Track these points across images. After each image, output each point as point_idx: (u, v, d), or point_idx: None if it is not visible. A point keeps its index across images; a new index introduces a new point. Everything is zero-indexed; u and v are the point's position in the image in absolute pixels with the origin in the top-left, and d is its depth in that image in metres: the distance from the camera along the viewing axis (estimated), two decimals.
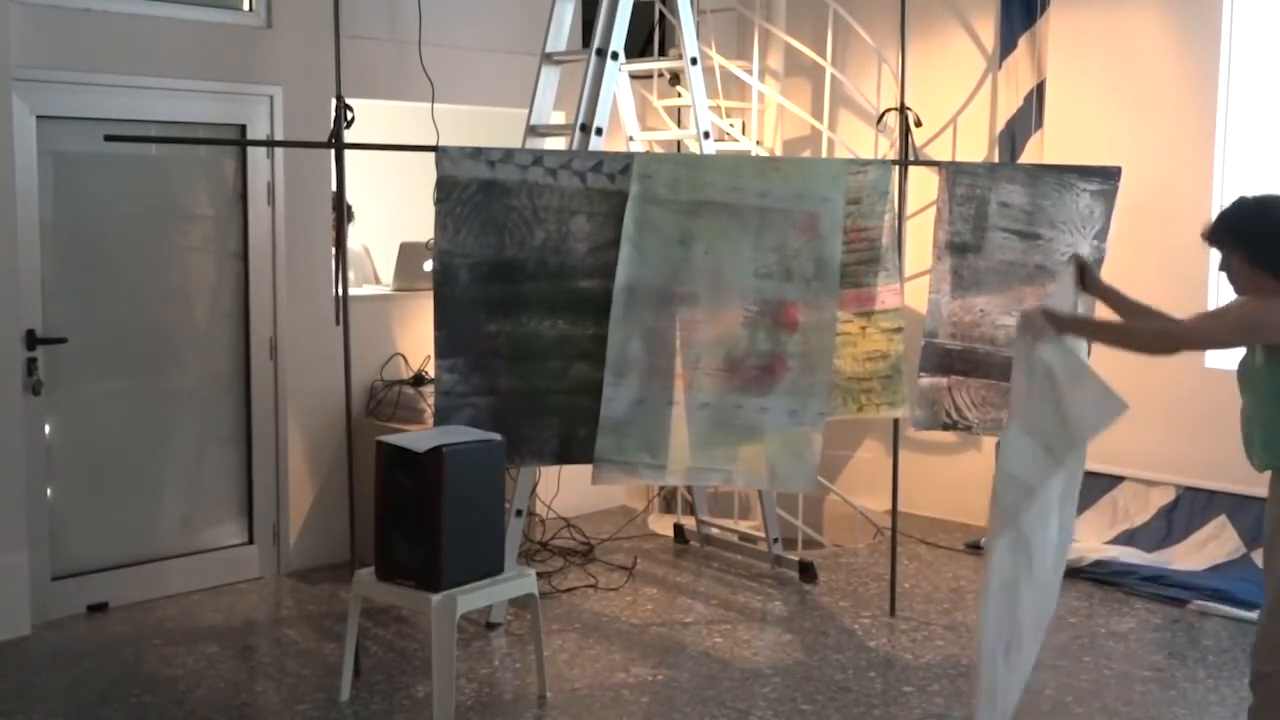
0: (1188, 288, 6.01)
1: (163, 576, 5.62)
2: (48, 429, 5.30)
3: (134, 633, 5.22)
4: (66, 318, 5.29)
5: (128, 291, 5.50)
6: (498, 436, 4.51)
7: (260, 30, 5.76)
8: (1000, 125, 6.78)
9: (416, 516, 4.28)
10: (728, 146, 6.66)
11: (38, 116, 5.16)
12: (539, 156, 4.82)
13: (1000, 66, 6.76)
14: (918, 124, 5.46)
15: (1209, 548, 5.97)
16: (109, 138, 4.75)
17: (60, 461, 5.37)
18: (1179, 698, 4.65)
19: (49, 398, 5.25)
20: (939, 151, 6.93)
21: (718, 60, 6.80)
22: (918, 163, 5.63)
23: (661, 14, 6.67)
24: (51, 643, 5.09)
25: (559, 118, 6.07)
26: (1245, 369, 3.67)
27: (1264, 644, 3.65)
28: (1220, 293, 6.09)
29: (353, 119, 4.68)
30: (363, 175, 6.11)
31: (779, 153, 7.23)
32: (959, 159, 6.73)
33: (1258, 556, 5.82)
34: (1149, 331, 3.76)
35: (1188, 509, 6.08)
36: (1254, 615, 5.35)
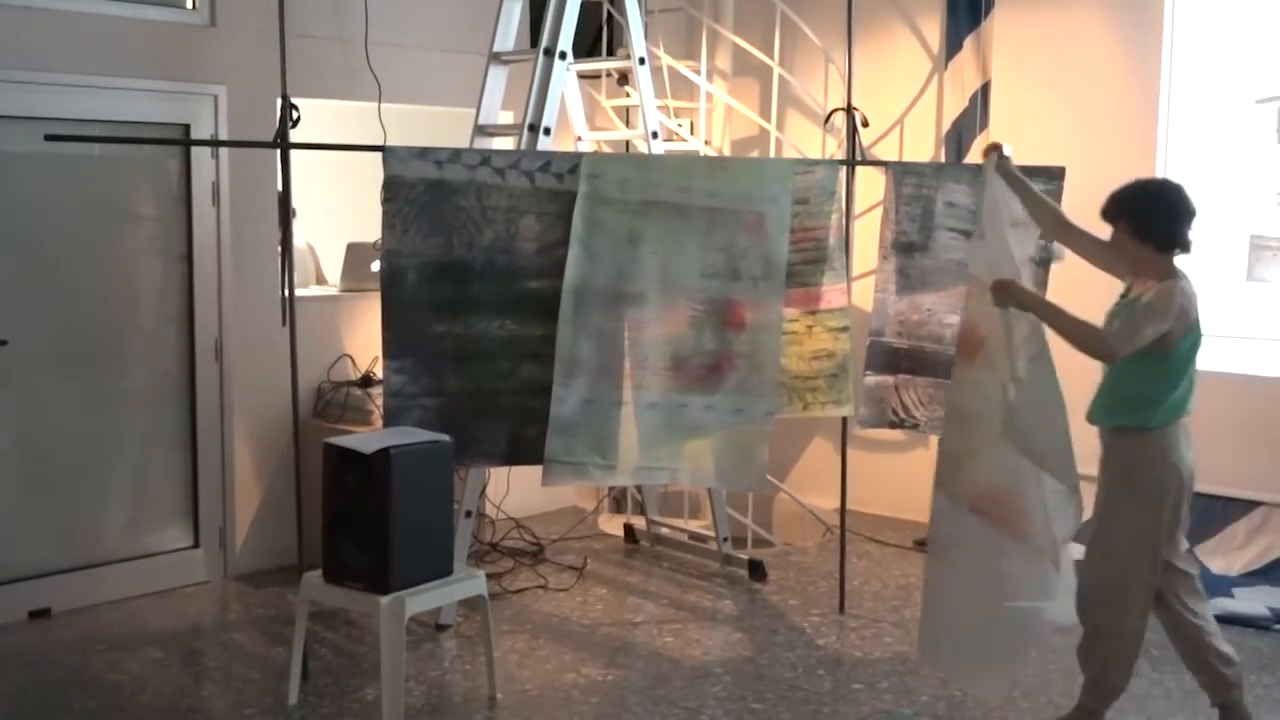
0: None
1: (107, 581, 5.55)
2: None
3: (77, 638, 5.15)
4: (6, 319, 5.21)
5: (70, 293, 5.43)
6: (446, 438, 4.48)
7: (204, 29, 5.71)
8: (946, 125, 6.82)
9: (365, 518, 4.26)
10: (676, 146, 6.67)
11: None
12: (487, 156, 4.80)
13: (946, 67, 6.81)
14: (864, 124, 5.48)
15: None
16: (49, 137, 4.67)
17: (0, 464, 5.29)
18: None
19: None
20: (886, 151, 6.97)
21: (666, 60, 6.81)
22: (865, 163, 5.66)
23: (609, 14, 6.67)
24: None
25: (507, 117, 6.05)
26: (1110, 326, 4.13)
27: (1092, 595, 4.13)
28: None
29: (298, 118, 4.65)
30: (309, 175, 6.07)
31: (727, 153, 7.25)
32: (906, 159, 6.77)
33: (1200, 551, 5.91)
34: (1091, 339, 4.02)
35: None
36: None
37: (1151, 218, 4.06)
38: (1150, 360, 4.00)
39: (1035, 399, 4.06)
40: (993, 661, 4.26)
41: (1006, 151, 4.48)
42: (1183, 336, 4.01)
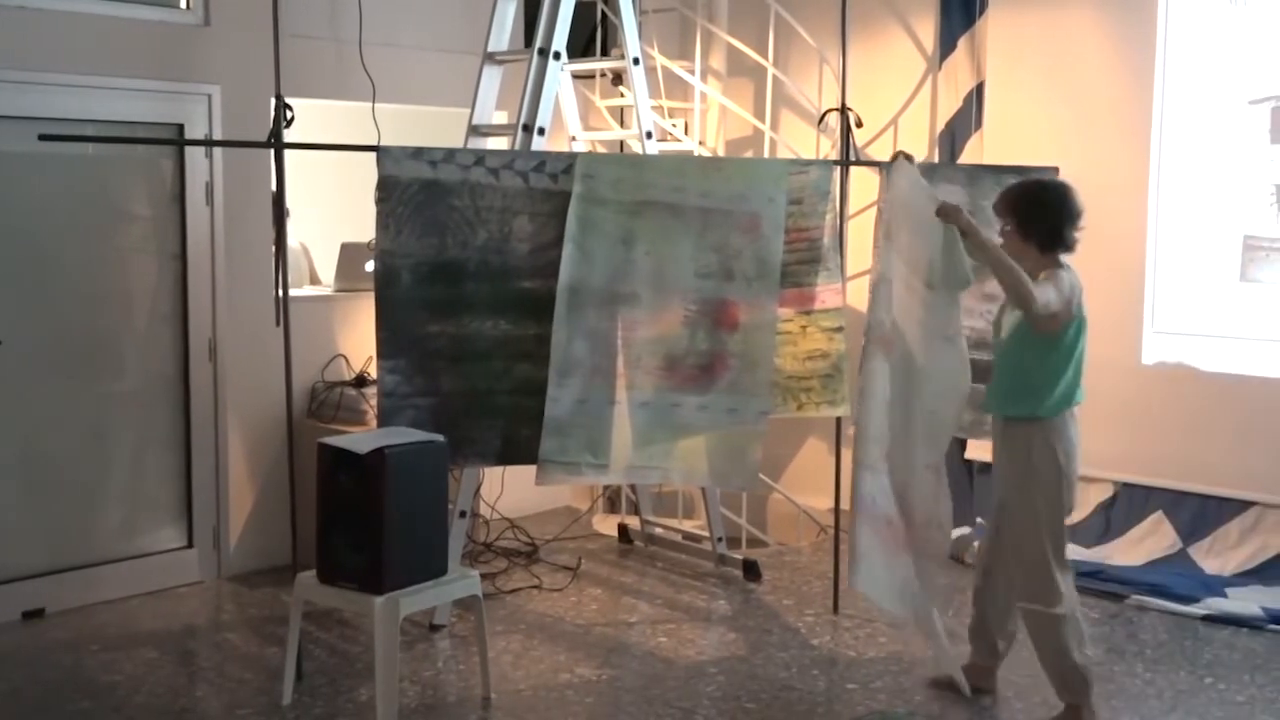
0: (1124, 281, 6.10)
1: (101, 581, 5.55)
2: None
3: (71, 639, 5.14)
4: (1, 319, 5.21)
5: (64, 293, 5.42)
6: (440, 438, 4.48)
7: (198, 28, 5.70)
8: (940, 126, 6.83)
9: (359, 518, 4.25)
10: (670, 146, 6.66)
11: None
12: (481, 156, 4.81)
13: (940, 67, 6.82)
14: (859, 124, 5.48)
15: (1146, 543, 6.04)
16: (44, 137, 4.67)
17: None
18: (1117, 691, 4.71)
19: None
20: (880, 152, 6.96)
21: (660, 60, 6.81)
22: (859, 163, 5.66)
23: (604, 14, 6.67)
24: None
25: (501, 118, 6.05)
26: (998, 325, 4.41)
27: (1026, 587, 4.33)
28: (1156, 291, 6.18)
29: (292, 118, 4.64)
30: (302, 175, 6.07)
31: (721, 153, 7.24)
32: None
33: (1194, 551, 5.92)
34: (1018, 280, 4.09)
35: (1125, 505, 6.15)
36: (1191, 610, 5.45)
37: (1033, 219, 4.23)
38: (1039, 349, 4.21)
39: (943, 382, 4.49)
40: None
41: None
42: (1068, 323, 4.19)
